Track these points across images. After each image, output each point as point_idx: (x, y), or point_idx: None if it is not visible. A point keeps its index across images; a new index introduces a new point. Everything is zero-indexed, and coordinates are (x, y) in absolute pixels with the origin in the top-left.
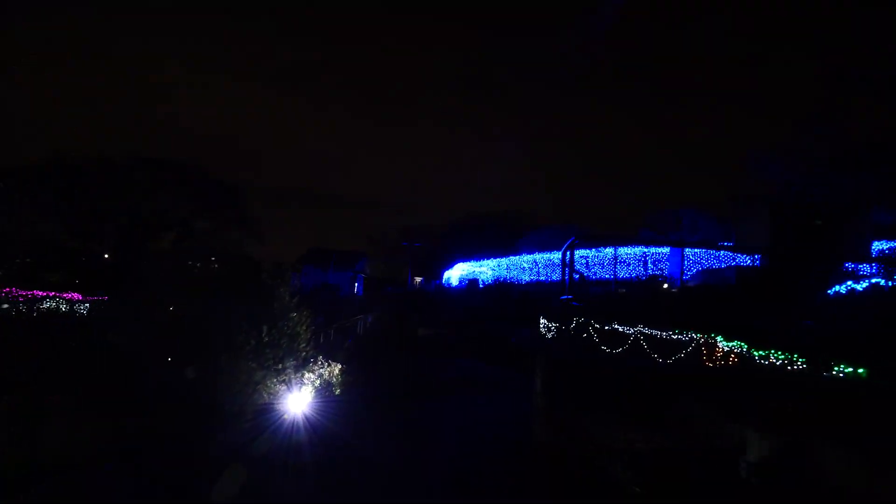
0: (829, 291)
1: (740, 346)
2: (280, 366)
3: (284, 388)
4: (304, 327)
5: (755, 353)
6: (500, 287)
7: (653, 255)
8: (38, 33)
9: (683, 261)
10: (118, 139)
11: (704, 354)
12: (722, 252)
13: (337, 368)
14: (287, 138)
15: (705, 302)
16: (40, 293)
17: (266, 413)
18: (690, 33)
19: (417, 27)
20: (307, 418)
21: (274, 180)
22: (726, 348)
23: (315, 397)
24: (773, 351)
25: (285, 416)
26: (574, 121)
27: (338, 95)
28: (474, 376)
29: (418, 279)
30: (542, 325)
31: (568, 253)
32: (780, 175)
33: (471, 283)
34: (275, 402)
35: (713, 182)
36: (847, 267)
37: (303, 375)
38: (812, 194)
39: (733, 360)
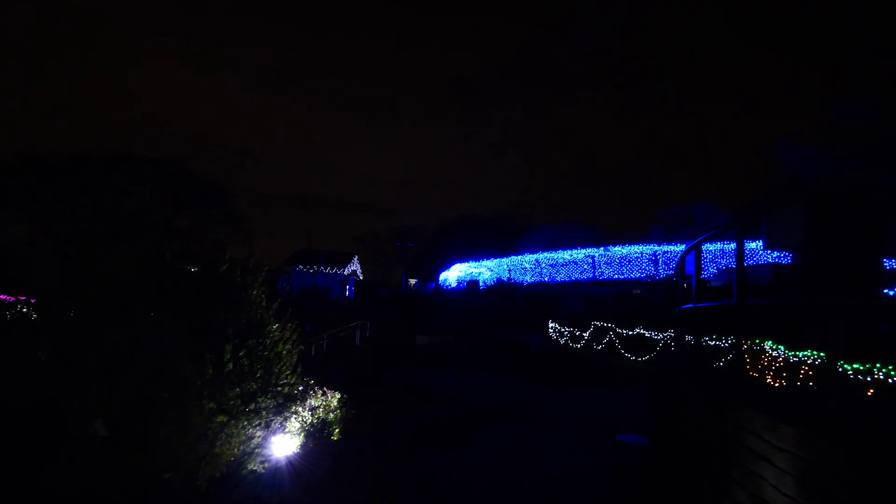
0: (889, 291)
1: (815, 356)
2: (252, 406)
3: (261, 433)
4: (288, 346)
5: (847, 367)
6: (503, 289)
7: (664, 253)
8: (9, 24)
9: (701, 259)
10: (99, 139)
11: (749, 363)
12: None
13: (335, 400)
14: (274, 140)
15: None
16: (8, 298)
17: (230, 479)
18: (697, 22)
19: (408, 26)
20: (296, 474)
21: (260, 182)
22: (791, 358)
23: (305, 445)
24: (878, 364)
25: (261, 478)
26: (572, 119)
27: (326, 97)
28: (504, 399)
29: (413, 281)
30: (550, 329)
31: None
32: (811, 166)
33: (470, 285)
34: (246, 458)
35: (727, 179)
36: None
37: (286, 419)
38: (848, 185)
39: (805, 372)
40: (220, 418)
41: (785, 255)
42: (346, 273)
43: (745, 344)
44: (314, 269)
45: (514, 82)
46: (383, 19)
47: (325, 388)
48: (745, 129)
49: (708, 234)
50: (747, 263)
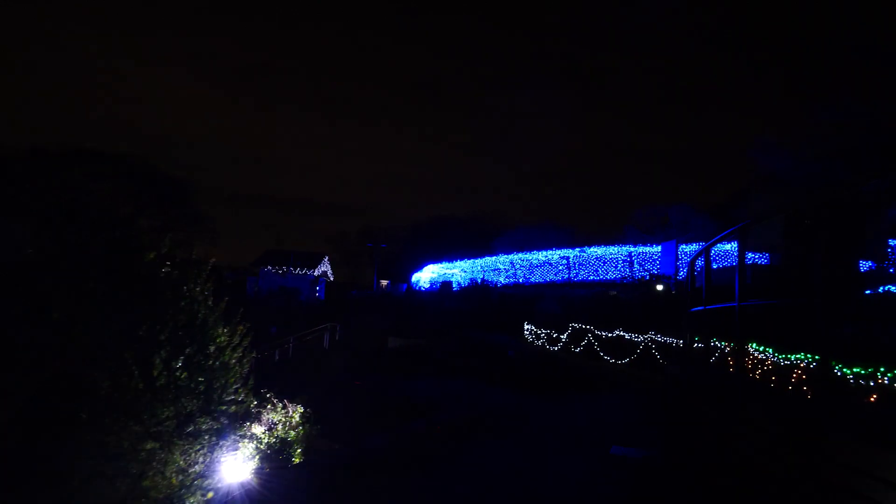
0: (868, 292)
1: (809, 360)
2: (191, 427)
3: (203, 459)
4: (238, 353)
5: (846, 371)
6: (478, 290)
7: (640, 254)
8: None
9: (678, 260)
10: (58, 136)
11: (731, 365)
12: (712, 252)
13: (297, 414)
14: (244, 140)
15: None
16: None
17: None
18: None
19: (376, 27)
20: None
21: (230, 183)
22: (782, 361)
23: (260, 469)
24: (882, 368)
25: None
26: (542, 121)
27: (296, 97)
28: (485, 409)
29: (384, 282)
30: (526, 331)
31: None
32: (788, 167)
33: (443, 286)
34: (184, 491)
35: (701, 180)
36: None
37: (235, 442)
38: (825, 186)
39: (797, 377)
40: (149, 445)
41: (763, 255)
42: (316, 274)
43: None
44: (283, 270)
45: (484, 83)
46: (353, 19)
47: (285, 401)
48: (720, 132)
49: (746, 221)
50: (722, 265)
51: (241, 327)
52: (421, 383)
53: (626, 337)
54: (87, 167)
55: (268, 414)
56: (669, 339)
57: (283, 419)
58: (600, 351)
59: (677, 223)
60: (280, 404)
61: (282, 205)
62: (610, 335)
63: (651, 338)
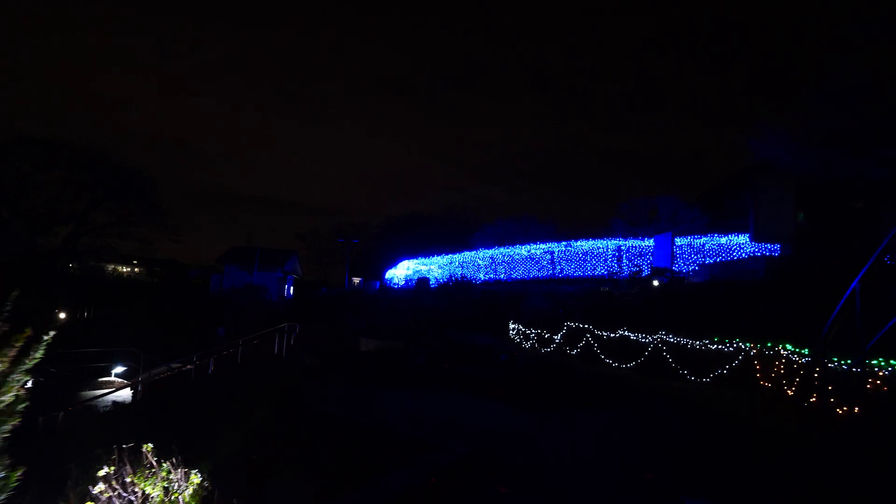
0: None
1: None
2: None
3: None
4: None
5: None
6: (457, 287)
7: (629, 248)
8: None
9: (674, 253)
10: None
11: (759, 369)
12: (707, 246)
13: (190, 487)
14: (216, 139)
15: (732, 301)
16: None
17: None
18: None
19: (345, 26)
20: None
21: (201, 182)
22: (853, 369)
23: None
24: None
25: None
26: (516, 121)
27: (265, 96)
28: (484, 438)
29: (356, 280)
30: (512, 331)
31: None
32: (789, 155)
33: (420, 283)
34: None
35: (688, 174)
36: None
37: None
38: (835, 174)
39: (882, 390)
40: None
41: (771, 247)
42: (284, 271)
43: None
44: (249, 268)
45: (452, 84)
46: (322, 18)
47: (172, 462)
48: (701, 124)
49: None
50: (730, 258)
51: (25, 332)
52: (401, 399)
53: (632, 337)
54: (37, 157)
55: (140, 485)
56: (684, 341)
57: (163, 498)
58: (601, 353)
59: (667, 215)
60: (166, 464)
61: (252, 204)
62: (612, 336)
63: (662, 338)
